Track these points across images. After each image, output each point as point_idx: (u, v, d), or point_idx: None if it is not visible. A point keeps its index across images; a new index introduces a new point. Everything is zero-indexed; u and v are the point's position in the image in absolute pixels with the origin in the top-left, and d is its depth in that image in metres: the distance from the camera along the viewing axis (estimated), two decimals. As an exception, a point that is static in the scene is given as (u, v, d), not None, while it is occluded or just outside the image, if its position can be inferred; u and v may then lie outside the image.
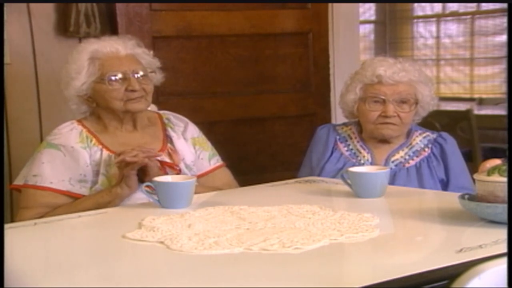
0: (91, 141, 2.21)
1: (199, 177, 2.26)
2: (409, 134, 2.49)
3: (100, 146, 2.21)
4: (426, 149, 2.44)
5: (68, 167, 2.16)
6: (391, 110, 2.38)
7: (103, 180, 2.16)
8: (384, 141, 2.45)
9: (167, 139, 2.31)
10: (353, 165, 2.33)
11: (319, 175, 2.42)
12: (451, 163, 2.41)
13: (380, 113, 2.39)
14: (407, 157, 2.44)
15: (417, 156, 2.43)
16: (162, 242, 1.50)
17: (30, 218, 2.03)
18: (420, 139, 2.47)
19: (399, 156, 2.44)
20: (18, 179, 2.24)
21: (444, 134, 2.49)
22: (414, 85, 2.41)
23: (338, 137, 2.51)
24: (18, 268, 1.40)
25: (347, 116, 2.56)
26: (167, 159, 2.24)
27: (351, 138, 2.50)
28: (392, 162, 2.42)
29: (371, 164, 2.39)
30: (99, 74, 2.21)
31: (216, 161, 2.37)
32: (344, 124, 2.57)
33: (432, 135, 2.48)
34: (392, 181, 2.34)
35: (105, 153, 2.20)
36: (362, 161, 2.43)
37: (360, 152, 2.46)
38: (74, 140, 2.20)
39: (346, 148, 2.49)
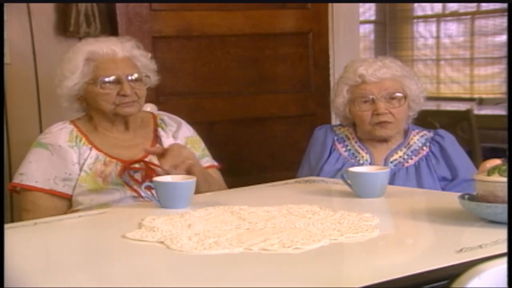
0: (80, 140, 2.22)
1: None
2: (406, 134, 2.49)
3: (90, 146, 2.22)
4: (424, 148, 2.44)
5: (54, 166, 2.17)
6: (382, 108, 2.38)
7: (83, 176, 2.17)
8: (382, 140, 2.46)
9: (157, 139, 2.32)
10: (352, 165, 2.33)
11: (317, 175, 2.42)
12: (454, 160, 2.41)
13: (372, 112, 2.39)
14: (405, 156, 2.44)
15: (415, 155, 2.43)
16: (162, 242, 1.50)
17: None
18: (418, 138, 2.47)
19: (397, 156, 2.44)
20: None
21: (441, 131, 2.50)
22: (399, 80, 2.42)
23: (336, 138, 2.51)
24: (18, 268, 1.40)
25: (341, 121, 2.56)
26: (154, 160, 2.24)
27: (348, 139, 2.51)
28: (391, 162, 2.42)
29: (370, 164, 2.39)
30: (92, 76, 2.21)
31: (206, 161, 2.37)
32: (341, 125, 2.57)
33: (429, 134, 2.48)
34: (391, 181, 2.33)
35: (94, 152, 2.21)
36: (361, 162, 2.43)
37: (359, 153, 2.46)
38: (63, 139, 2.21)
39: (344, 149, 2.49)
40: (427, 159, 2.42)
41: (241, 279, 1.28)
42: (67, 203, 2.20)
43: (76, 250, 1.58)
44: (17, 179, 2.19)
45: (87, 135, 2.24)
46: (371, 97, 2.39)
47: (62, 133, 2.23)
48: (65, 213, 2.16)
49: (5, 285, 1.29)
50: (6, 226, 1.63)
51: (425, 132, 2.49)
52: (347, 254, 1.47)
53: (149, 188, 1.95)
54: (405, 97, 2.42)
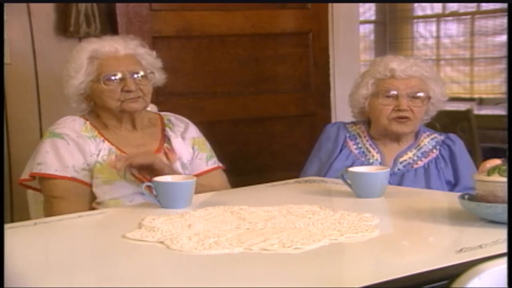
0: (94, 132, 2.23)
1: (195, 176, 2.28)
2: (417, 135, 2.49)
3: (102, 138, 2.23)
4: (434, 151, 2.45)
5: (71, 154, 2.18)
6: (405, 104, 2.38)
7: (98, 167, 2.19)
8: (394, 139, 2.45)
9: (165, 138, 2.33)
10: (362, 163, 2.34)
11: (327, 172, 2.42)
12: (460, 165, 2.41)
13: (393, 108, 2.39)
14: (415, 158, 2.44)
15: (425, 157, 2.43)
16: (162, 242, 1.50)
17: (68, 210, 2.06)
18: (428, 140, 2.47)
19: (407, 157, 2.44)
20: (25, 173, 2.25)
21: (452, 135, 2.50)
22: (426, 81, 2.43)
23: (348, 135, 2.51)
24: (18, 268, 1.40)
25: (355, 116, 2.55)
26: (163, 158, 2.25)
27: (360, 137, 2.50)
28: (400, 163, 2.42)
29: (380, 164, 2.39)
30: (96, 73, 2.23)
31: (214, 162, 2.38)
32: (353, 123, 2.57)
33: (440, 137, 2.48)
34: (400, 182, 2.35)
35: (106, 144, 2.23)
36: (371, 161, 2.43)
37: (370, 152, 2.46)
38: (79, 129, 2.23)
39: (355, 147, 2.48)
40: (437, 162, 2.42)
41: (241, 279, 1.28)
42: (92, 193, 2.20)
43: (76, 250, 1.58)
44: (35, 169, 2.18)
45: (98, 129, 2.26)
46: (395, 92, 2.39)
47: (76, 124, 2.24)
48: (91, 203, 2.18)
49: (5, 285, 1.29)
50: (6, 226, 1.63)
51: (436, 135, 2.49)
52: (347, 254, 1.47)
53: (149, 188, 1.95)
54: (428, 98, 2.42)
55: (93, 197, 2.19)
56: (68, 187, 2.16)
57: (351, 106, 2.55)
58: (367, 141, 2.49)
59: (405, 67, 2.40)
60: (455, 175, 2.41)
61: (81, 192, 2.17)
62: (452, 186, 2.40)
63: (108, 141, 2.24)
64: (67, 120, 2.26)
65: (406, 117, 2.39)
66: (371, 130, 2.50)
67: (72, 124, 2.24)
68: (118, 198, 2.16)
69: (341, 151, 2.48)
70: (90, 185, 2.19)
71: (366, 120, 2.53)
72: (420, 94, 2.41)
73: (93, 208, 2.16)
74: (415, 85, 2.41)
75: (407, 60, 2.43)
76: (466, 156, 2.47)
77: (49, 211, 2.15)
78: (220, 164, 2.41)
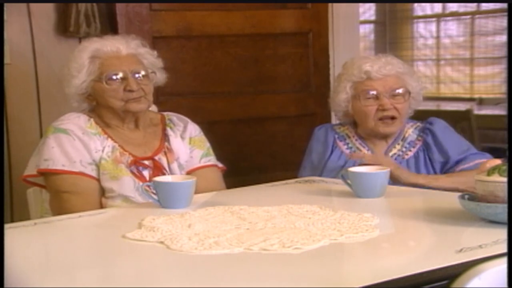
0: (98, 129, 2.24)
1: (186, 174, 2.28)
2: None
3: (106, 135, 2.24)
4: (420, 139, 2.47)
5: (77, 150, 2.18)
6: (387, 103, 2.40)
7: (103, 163, 2.19)
8: (381, 138, 2.47)
9: (165, 138, 2.33)
10: (354, 162, 2.35)
11: (321, 173, 2.42)
12: (444, 143, 2.43)
13: (377, 108, 2.40)
14: (404, 149, 2.46)
15: (413, 147, 2.46)
16: (162, 242, 1.50)
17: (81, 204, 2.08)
18: (412, 130, 2.51)
19: (396, 150, 2.47)
20: (29, 169, 2.24)
21: (432, 118, 2.52)
22: (402, 77, 2.45)
23: (336, 136, 2.53)
24: (18, 268, 1.40)
25: (340, 119, 2.58)
26: (163, 158, 2.25)
27: (349, 137, 2.52)
28: (392, 156, 2.44)
29: None
30: (98, 73, 2.23)
31: (208, 160, 2.37)
32: (341, 124, 2.59)
33: (421, 125, 2.51)
34: None
35: (110, 142, 2.23)
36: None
37: (360, 150, 2.48)
38: (84, 125, 2.23)
39: (345, 146, 2.50)
40: (425, 149, 2.45)
41: (241, 279, 1.28)
42: (101, 187, 2.20)
43: (76, 250, 1.58)
44: (43, 165, 2.18)
45: (102, 127, 2.26)
46: (374, 93, 2.40)
47: (81, 120, 2.25)
48: (101, 198, 2.18)
49: (5, 285, 1.29)
50: (6, 226, 1.63)
51: (418, 123, 2.53)
52: (347, 254, 1.47)
53: (148, 187, 1.95)
54: (408, 92, 2.44)
55: (102, 192, 2.19)
56: (77, 182, 2.16)
57: (333, 111, 2.58)
58: (356, 140, 2.51)
59: (379, 67, 2.41)
60: (443, 153, 2.42)
61: (91, 186, 2.17)
62: (443, 164, 2.41)
63: (111, 138, 2.24)
64: (71, 116, 2.26)
65: (392, 117, 2.41)
66: (359, 130, 2.52)
67: (77, 120, 2.24)
68: (127, 196, 2.16)
69: (332, 152, 2.50)
70: (98, 180, 2.19)
71: (352, 121, 2.54)
72: (400, 91, 2.43)
73: (102, 203, 2.17)
74: (393, 83, 2.43)
75: (379, 59, 2.45)
76: (448, 132, 2.49)
77: (59, 206, 2.14)
78: (218, 163, 2.40)
